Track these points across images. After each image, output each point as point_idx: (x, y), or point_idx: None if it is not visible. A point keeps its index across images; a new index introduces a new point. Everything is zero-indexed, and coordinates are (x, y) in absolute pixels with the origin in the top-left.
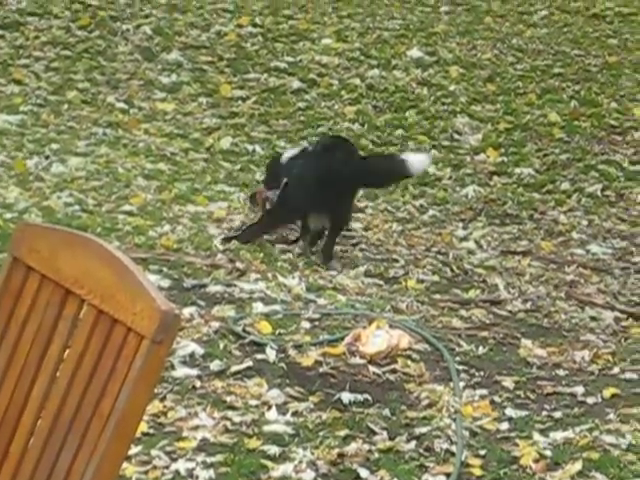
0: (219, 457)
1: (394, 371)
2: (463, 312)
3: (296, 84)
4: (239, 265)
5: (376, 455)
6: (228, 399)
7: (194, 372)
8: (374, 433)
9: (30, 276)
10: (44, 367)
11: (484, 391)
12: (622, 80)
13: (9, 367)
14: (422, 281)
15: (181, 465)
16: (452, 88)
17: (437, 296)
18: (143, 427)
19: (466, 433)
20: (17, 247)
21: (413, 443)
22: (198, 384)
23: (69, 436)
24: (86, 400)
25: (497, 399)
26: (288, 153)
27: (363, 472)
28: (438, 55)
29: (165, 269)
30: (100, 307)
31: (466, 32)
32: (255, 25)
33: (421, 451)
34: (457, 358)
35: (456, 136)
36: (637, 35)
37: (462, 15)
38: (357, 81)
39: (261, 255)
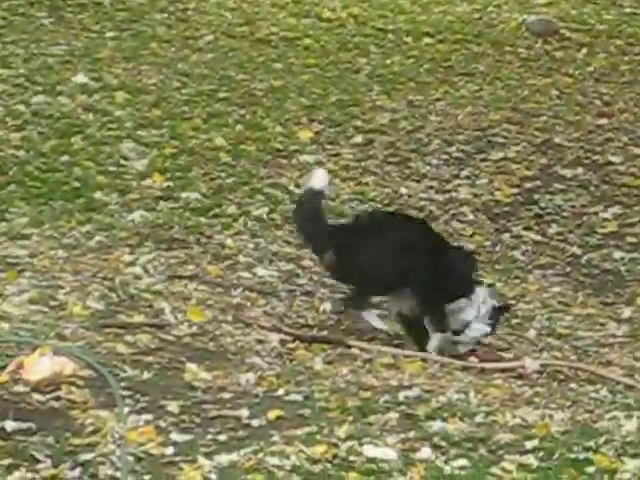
0: None
1: (58, 398)
2: (129, 337)
3: None
4: None
5: None
6: None
7: None
8: (38, 461)
9: None
10: None
11: (149, 416)
12: (287, 104)
13: None
14: (88, 307)
15: None
16: (118, 113)
17: (103, 322)
18: None
19: (131, 458)
20: None
21: (78, 470)
22: None
23: None
24: None
25: (162, 424)
26: None
27: None
28: (103, 81)
29: None
30: None
31: (131, 57)
32: None
33: (86, 478)
34: (122, 384)
35: (122, 161)
36: (301, 59)
37: (127, 40)
38: (22, 107)
39: None
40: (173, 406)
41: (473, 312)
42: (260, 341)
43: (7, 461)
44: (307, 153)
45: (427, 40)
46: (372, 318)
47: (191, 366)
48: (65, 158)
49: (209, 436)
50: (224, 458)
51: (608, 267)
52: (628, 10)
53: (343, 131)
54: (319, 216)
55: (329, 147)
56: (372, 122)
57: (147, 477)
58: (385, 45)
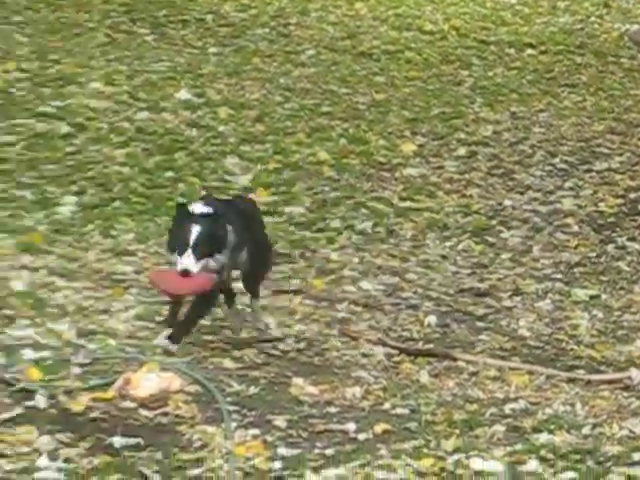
0: None
1: (166, 414)
2: (235, 352)
3: (65, 128)
4: (7, 312)
5: None
6: None
7: None
8: (146, 477)
9: None
10: None
11: (256, 431)
12: (390, 117)
13: None
14: None
15: None
16: (221, 129)
17: (209, 337)
18: None
19: (239, 473)
20: None
21: None
22: None
23: None
24: None
25: (269, 438)
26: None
27: None
28: (206, 96)
29: None
30: None
31: (234, 73)
32: (22, 70)
33: None
34: (229, 399)
35: (227, 177)
36: (404, 72)
37: (230, 56)
38: (126, 124)
39: (30, 300)
40: (280, 420)
41: None
42: (365, 355)
43: (116, 476)
44: (410, 166)
45: (529, 51)
46: None
47: (297, 380)
48: (169, 174)
49: (316, 450)
50: (331, 472)
51: None
52: None
53: (446, 144)
54: None
55: (432, 160)
56: (475, 134)
57: None
58: (487, 57)
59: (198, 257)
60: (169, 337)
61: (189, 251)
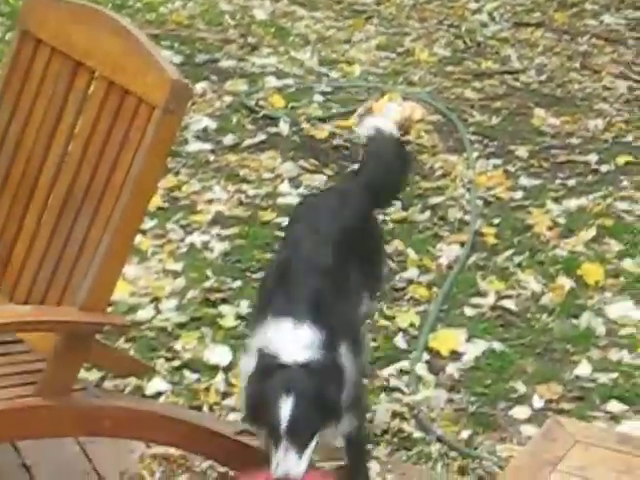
0: (234, 230)
1: (407, 142)
2: (476, 83)
3: None
4: (251, 40)
5: (390, 225)
6: (242, 172)
7: (208, 146)
8: None
9: (40, 49)
10: (56, 140)
11: (498, 161)
12: None
13: (21, 141)
14: (435, 54)
15: (196, 238)
16: None
17: (450, 68)
18: (158, 201)
19: (480, 202)
20: (25, 20)
21: (427, 213)
22: (212, 158)
23: (82, 208)
24: (99, 172)
25: (511, 168)
26: None
27: None
28: None
29: (177, 45)
30: (111, 78)
31: None
32: None
33: (435, 220)
34: (470, 129)
35: None
36: None
37: None
38: None
39: (273, 29)
40: (522, 151)
41: None
42: (607, 88)
43: None
44: None
45: None
46: None
47: (539, 111)
48: None
49: (558, 181)
50: (573, 203)
51: None
52: None
53: None
54: None
55: None
56: None
57: (496, 221)
58: None
59: (301, 448)
60: None
61: (284, 443)
